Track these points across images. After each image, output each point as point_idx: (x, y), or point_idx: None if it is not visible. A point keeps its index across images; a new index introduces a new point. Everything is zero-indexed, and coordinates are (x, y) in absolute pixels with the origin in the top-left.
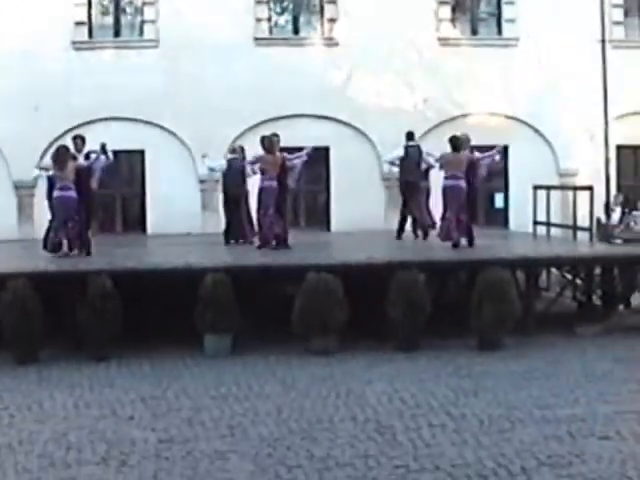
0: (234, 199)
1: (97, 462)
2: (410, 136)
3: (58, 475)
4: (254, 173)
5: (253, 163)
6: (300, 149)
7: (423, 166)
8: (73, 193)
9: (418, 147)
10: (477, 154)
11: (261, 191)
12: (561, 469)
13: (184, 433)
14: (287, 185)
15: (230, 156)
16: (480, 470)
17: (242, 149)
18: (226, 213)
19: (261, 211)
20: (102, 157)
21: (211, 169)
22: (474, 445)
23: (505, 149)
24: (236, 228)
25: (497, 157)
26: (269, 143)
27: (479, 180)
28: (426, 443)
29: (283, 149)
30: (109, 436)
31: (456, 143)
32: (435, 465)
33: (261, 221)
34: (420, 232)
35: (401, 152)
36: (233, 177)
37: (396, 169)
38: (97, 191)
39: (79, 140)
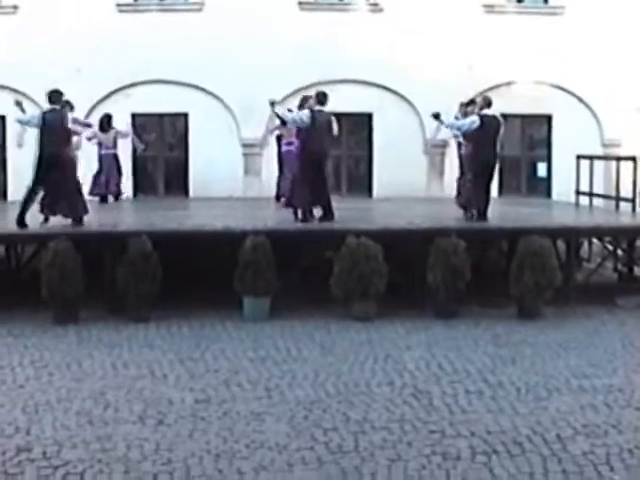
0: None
1: (134, 421)
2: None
3: (95, 433)
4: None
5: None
6: (343, 115)
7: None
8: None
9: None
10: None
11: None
12: (596, 438)
13: (221, 394)
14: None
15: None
16: (515, 437)
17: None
18: None
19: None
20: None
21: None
22: (510, 412)
23: (549, 118)
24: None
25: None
26: None
27: None
28: (462, 409)
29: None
30: (146, 395)
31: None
32: (471, 431)
33: None
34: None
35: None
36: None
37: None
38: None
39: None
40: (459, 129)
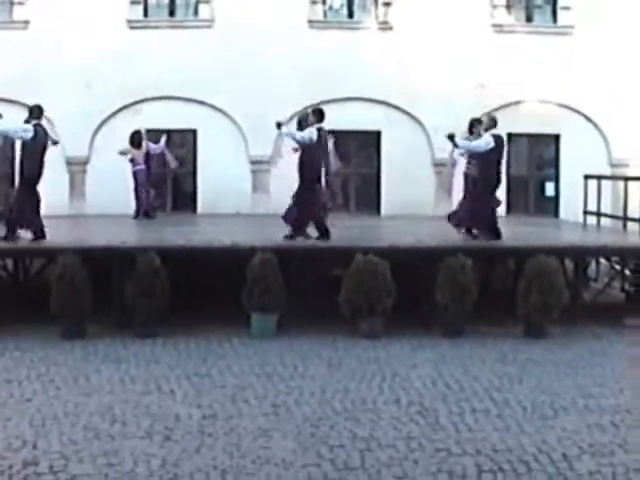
0: None
1: (141, 436)
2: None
3: (102, 447)
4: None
5: None
6: (351, 132)
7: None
8: None
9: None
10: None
11: None
12: (603, 457)
13: (228, 410)
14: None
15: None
16: (522, 456)
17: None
18: None
19: None
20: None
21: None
22: (516, 431)
23: (557, 138)
24: None
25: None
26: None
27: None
28: (469, 427)
29: (334, 132)
30: (153, 411)
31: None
32: (477, 449)
33: None
34: None
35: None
36: None
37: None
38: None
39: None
40: (472, 150)
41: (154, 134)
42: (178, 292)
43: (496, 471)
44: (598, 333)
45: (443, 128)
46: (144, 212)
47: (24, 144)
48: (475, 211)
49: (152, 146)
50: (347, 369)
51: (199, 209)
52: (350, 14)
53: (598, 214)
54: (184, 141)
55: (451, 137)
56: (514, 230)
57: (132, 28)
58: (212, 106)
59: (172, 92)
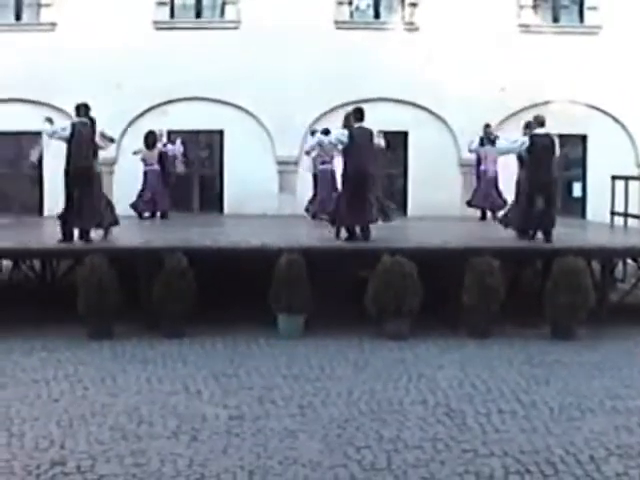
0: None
1: (168, 436)
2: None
3: (129, 447)
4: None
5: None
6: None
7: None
8: None
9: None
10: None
11: None
12: (630, 459)
13: (255, 411)
14: None
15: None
16: (548, 457)
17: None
18: None
19: None
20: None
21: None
22: (543, 432)
23: (584, 138)
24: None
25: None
26: None
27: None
28: (495, 429)
29: None
30: (180, 411)
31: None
32: (504, 451)
33: None
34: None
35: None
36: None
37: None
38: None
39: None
40: (509, 152)
41: (181, 135)
42: (205, 292)
43: (523, 473)
44: (625, 334)
45: (470, 129)
46: (161, 213)
47: (67, 143)
48: (509, 210)
49: (169, 147)
50: (373, 370)
51: (225, 210)
52: (376, 15)
53: (625, 215)
54: (211, 142)
55: (492, 140)
56: None
57: (158, 29)
58: (238, 107)
59: (198, 93)
